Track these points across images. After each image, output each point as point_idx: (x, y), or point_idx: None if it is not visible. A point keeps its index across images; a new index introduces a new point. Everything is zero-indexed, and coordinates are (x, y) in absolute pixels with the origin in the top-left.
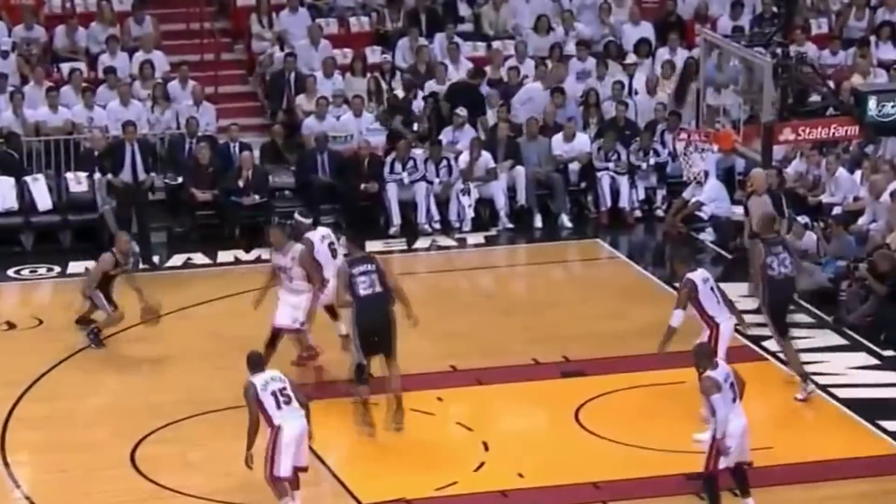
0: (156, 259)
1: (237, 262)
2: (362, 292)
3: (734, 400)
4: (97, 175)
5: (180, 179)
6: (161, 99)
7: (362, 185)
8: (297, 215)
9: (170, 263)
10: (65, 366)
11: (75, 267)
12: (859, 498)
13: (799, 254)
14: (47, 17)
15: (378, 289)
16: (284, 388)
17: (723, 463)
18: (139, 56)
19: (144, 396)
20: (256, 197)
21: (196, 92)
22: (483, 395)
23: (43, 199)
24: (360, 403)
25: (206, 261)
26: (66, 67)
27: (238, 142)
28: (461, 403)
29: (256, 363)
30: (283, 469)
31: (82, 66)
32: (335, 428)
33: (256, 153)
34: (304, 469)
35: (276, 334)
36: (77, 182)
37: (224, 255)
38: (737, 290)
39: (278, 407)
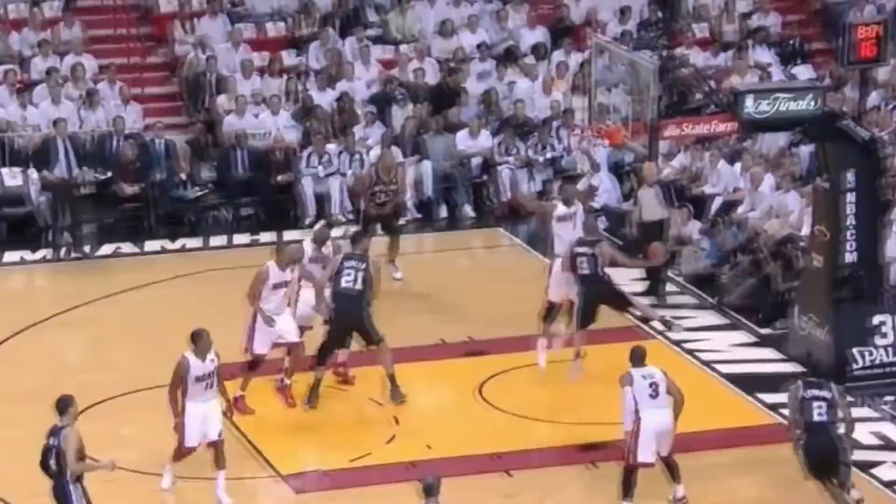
0: (87, 248)
1: (163, 251)
2: (343, 284)
3: (651, 397)
4: (31, 170)
5: (108, 174)
6: (90, 99)
7: (278, 178)
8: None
9: (100, 252)
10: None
11: (10, 257)
12: (740, 464)
13: (685, 240)
14: None
15: (358, 286)
16: (210, 374)
17: (639, 457)
18: (69, 59)
19: (77, 376)
20: (197, 189)
21: (123, 92)
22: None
23: None
24: (313, 384)
25: (134, 250)
26: None
27: (162, 139)
28: (374, 381)
29: (198, 341)
30: (188, 440)
31: (15, 67)
32: (257, 405)
33: (179, 150)
34: (214, 443)
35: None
36: (11, 177)
37: (150, 245)
38: (628, 274)
39: (205, 388)
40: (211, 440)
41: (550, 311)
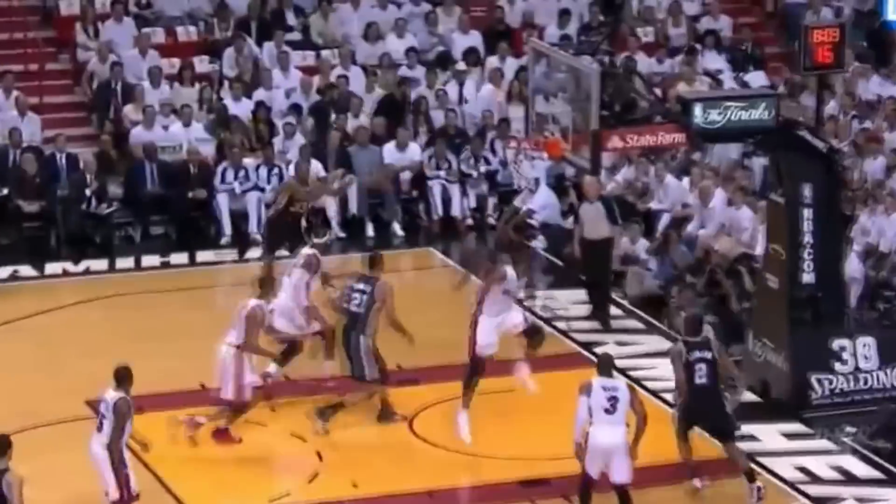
0: None
1: (65, 274)
2: (350, 307)
3: (607, 412)
4: None
5: (6, 191)
6: None
7: (190, 194)
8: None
9: None
10: None
11: None
12: (690, 499)
13: (631, 259)
14: None
15: (360, 310)
16: (104, 416)
17: (587, 467)
18: None
19: None
20: (104, 206)
21: (20, 102)
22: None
23: None
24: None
25: (33, 273)
26: None
27: (65, 152)
28: (295, 414)
29: (119, 380)
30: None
31: None
32: (170, 441)
33: (83, 165)
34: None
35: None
36: None
37: (51, 267)
38: (569, 297)
39: (97, 427)
40: None
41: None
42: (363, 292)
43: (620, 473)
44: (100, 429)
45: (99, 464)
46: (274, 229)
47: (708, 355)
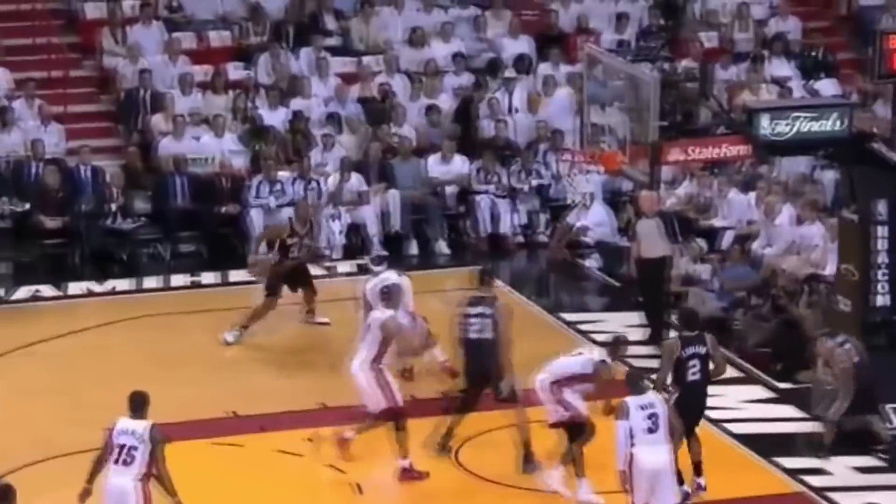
0: (0, 291)
1: (89, 294)
2: (470, 335)
3: (650, 431)
4: None
5: (27, 206)
6: (3, 118)
7: (221, 209)
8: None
9: (15, 296)
10: None
11: None
12: None
13: (693, 280)
14: None
15: (487, 336)
16: (134, 448)
17: (635, 497)
18: None
19: None
20: (130, 221)
21: (43, 111)
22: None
23: None
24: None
25: (55, 293)
26: None
27: (90, 165)
28: (332, 444)
29: (136, 407)
30: None
31: None
32: (199, 472)
33: (109, 178)
34: None
35: None
36: None
37: (74, 287)
38: (625, 320)
39: (115, 462)
40: None
41: None
42: (483, 316)
43: (667, 499)
44: (128, 462)
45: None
46: (281, 278)
47: (702, 350)
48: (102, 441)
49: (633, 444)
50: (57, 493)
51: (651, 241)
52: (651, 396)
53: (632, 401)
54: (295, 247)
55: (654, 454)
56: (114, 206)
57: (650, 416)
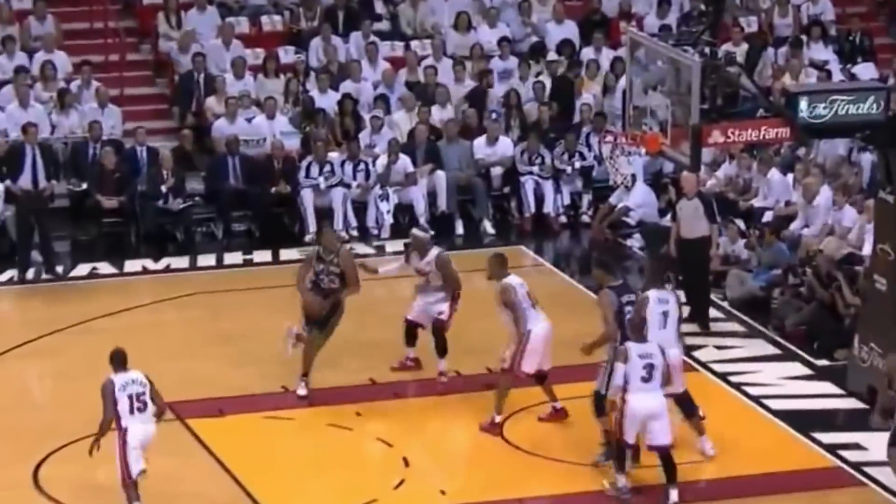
0: (59, 269)
1: (145, 271)
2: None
3: (644, 380)
4: None
5: (84, 186)
6: (62, 101)
7: (273, 189)
8: (415, 230)
9: (74, 273)
10: None
11: None
12: None
13: (733, 260)
14: None
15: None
16: (142, 394)
17: (625, 435)
18: (40, 56)
19: (45, 414)
20: (180, 201)
21: (100, 94)
22: (403, 409)
23: None
24: None
25: (112, 270)
26: None
27: (146, 146)
28: (380, 418)
29: (119, 362)
30: (133, 469)
31: None
32: (252, 445)
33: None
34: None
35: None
36: None
37: (131, 265)
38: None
39: (131, 412)
40: None
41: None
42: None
43: (659, 437)
44: (142, 409)
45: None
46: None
47: (633, 298)
48: (107, 402)
49: (626, 390)
50: (111, 465)
51: (691, 221)
52: (651, 346)
53: (633, 346)
54: (323, 274)
55: (647, 400)
56: (164, 188)
57: (646, 366)
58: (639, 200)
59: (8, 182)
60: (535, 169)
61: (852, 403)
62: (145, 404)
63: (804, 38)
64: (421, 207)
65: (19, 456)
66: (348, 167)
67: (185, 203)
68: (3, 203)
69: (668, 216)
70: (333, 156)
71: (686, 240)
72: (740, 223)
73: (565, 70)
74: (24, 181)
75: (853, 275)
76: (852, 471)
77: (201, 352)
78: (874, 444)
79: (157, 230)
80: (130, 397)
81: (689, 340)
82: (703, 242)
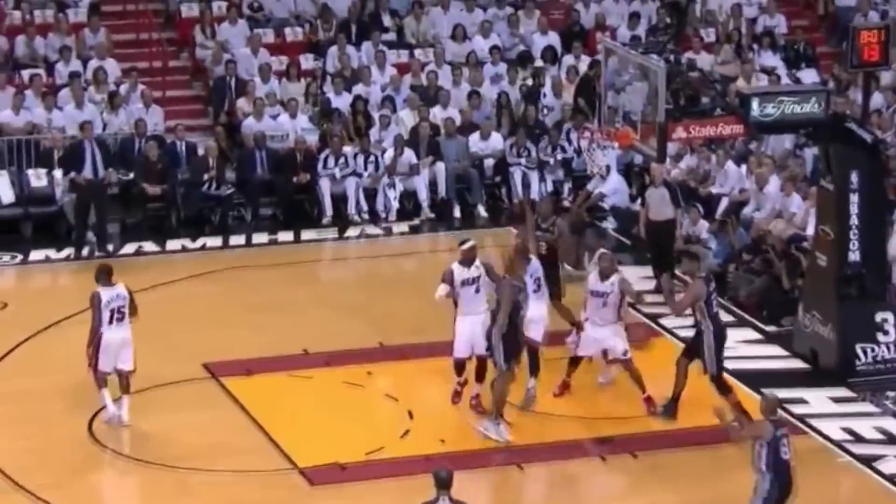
0: (110, 247)
1: (183, 250)
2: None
3: (534, 291)
4: (57, 171)
5: (131, 175)
6: (112, 102)
7: (295, 178)
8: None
9: (122, 251)
10: (27, 345)
11: (35, 255)
12: (746, 458)
13: (693, 239)
14: (8, 28)
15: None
16: (122, 307)
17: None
18: (93, 63)
19: None
20: (224, 188)
21: (145, 96)
22: (408, 370)
23: (6, 194)
24: None
25: (155, 249)
26: (26, 74)
27: (184, 141)
28: (388, 377)
29: (106, 277)
30: (102, 366)
31: (41, 72)
32: (276, 400)
33: (201, 151)
34: (130, 371)
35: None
36: (37, 178)
37: (172, 244)
38: (637, 273)
39: (110, 322)
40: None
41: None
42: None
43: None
44: (121, 319)
45: (129, 344)
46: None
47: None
48: (95, 312)
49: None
50: (161, 416)
51: (658, 206)
52: (534, 264)
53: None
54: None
55: (535, 307)
56: (206, 176)
57: (535, 279)
58: (612, 188)
59: (73, 174)
60: (523, 161)
61: (796, 364)
62: (123, 315)
63: (755, 46)
64: (423, 194)
65: (77, 409)
66: (360, 159)
67: (228, 190)
68: (64, 191)
69: (638, 202)
70: (347, 149)
71: (654, 222)
72: (700, 208)
73: (531, 77)
74: (86, 172)
75: (797, 261)
76: (796, 422)
77: (232, 319)
78: (816, 400)
79: (197, 214)
80: (112, 311)
81: (657, 310)
82: (669, 224)
